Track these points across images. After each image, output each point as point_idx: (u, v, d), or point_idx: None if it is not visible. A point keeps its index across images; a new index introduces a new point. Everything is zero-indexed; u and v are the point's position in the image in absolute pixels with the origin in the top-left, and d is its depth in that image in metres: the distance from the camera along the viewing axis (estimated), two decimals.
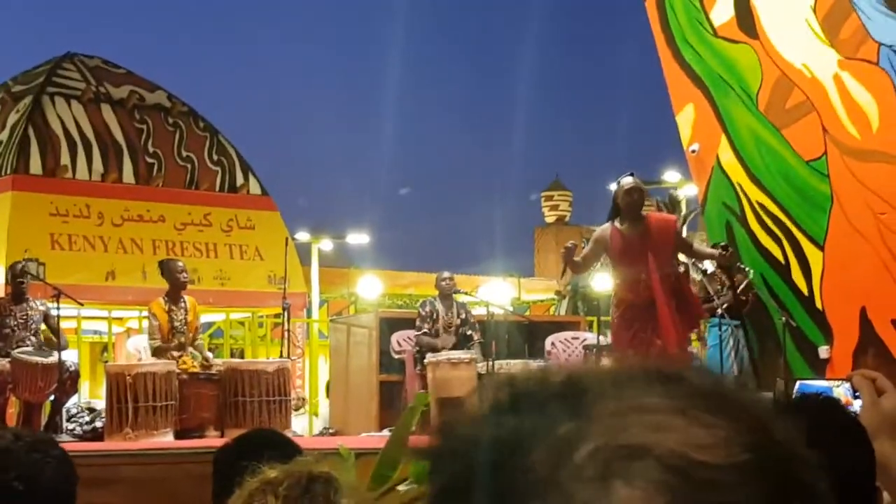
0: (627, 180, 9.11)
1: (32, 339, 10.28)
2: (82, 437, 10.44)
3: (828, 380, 7.23)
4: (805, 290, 11.06)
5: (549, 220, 42.90)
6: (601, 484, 0.64)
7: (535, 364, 11.30)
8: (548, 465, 0.65)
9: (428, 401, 6.77)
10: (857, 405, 2.31)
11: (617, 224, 9.06)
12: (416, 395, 4.51)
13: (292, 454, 2.63)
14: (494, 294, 21.38)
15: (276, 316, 16.91)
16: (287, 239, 15.17)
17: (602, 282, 28.83)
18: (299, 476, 2.06)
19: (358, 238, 29.32)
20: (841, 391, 4.04)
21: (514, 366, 10.60)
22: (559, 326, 13.09)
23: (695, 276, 11.27)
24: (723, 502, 0.64)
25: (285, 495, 2.00)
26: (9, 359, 9.93)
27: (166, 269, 10.75)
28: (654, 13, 12.44)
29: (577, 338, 12.22)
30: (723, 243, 11.52)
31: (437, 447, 0.72)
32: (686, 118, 12.26)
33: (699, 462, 0.64)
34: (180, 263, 10.95)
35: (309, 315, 19.89)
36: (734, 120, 11.74)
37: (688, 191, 20.32)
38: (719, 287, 11.12)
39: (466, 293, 12.47)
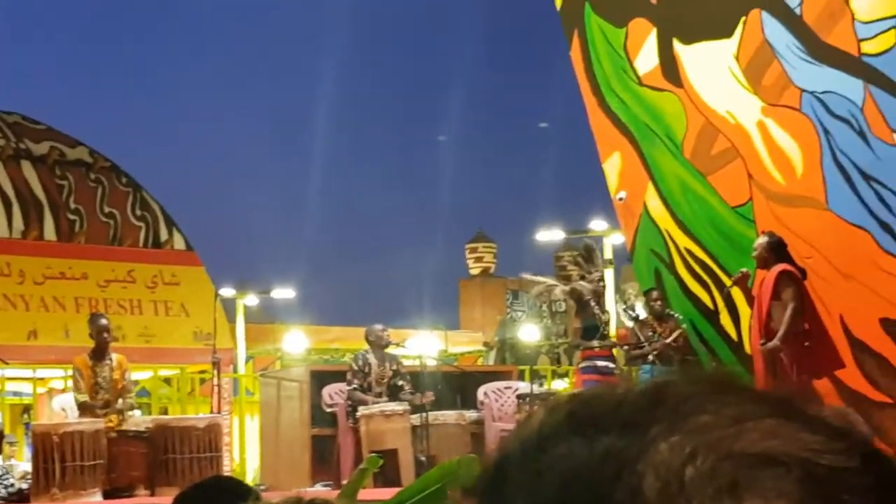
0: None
1: None
2: (7, 500, 10.20)
3: None
4: (734, 336, 11.13)
5: (474, 271, 42.95)
6: (731, 498, 0.58)
7: (468, 414, 11.29)
8: (662, 486, 0.59)
9: (380, 463, 6.65)
10: None
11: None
12: (368, 458, 4.42)
13: (254, 501, 2.56)
14: (421, 347, 21.30)
15: (202, 372, 16.73)
16: (215, 294, 15.03)
17: (529, 332, 28.94)
18: (294, 501, 2.01)
19: (283, 293, 29.15)
20: None
21: (448, 416, 10.55)
22: (490, 376, 13.05)
23: (627, 322, 11.31)
24: None
25: None
26: None
27: (91, 325, 10.59)
28: (579, 62, 12.55)
29: (509, 387, 12.18)
30: (654, 291, 11.61)
31: (501, 480, 0.64)
32: (613, 166, 12.35)
33: (828, 466, 0.59)
34: (104, 321, 10.72)
35: (235, 371, 19.69)
36: (660, 167, 11.84)
37: (615, 239, 20.41)
38: (651, 333, 11.16)
39: (398, 345, 12.41)
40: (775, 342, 9.33)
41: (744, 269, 9.99)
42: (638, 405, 0.63)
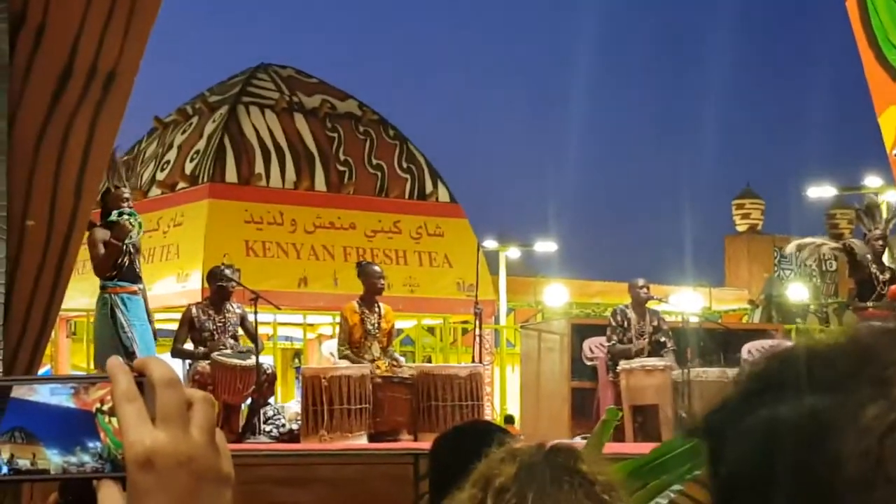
0: None
1: (231, 342, 10.46)
2: (279, 439, 10.60)
3: None
4: None
5: (741, 228, 42.06)
6: None
7: (731, 372, 11.08)
8: (861, 454, 0.56)
9: (620, 415, 6.64)
10: None
11: None
12: (608, 410, 4.43)
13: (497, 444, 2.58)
14: (684, 303, 21.07)
15: (464, 323, 16.97)
16: (478, 246, 15.19)
17: (797, 291, 28.21)
18: (542, 445, 2.02)
19: (545, 246, 29.29)
20: None
21: (710, 374, 10.39)
22: (755, 334, 12.81)
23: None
24: None
25: (523, 460, 1.95)
26: (209, 361, 10.13)
27: (364, 272, 10.82)
28: (854, 13, 12.06)
29: (774, 346, 11.89)
30: None
31: (719, 427, 0.64)
32: (889, 120, 11.85)
33: None
34: (378, 269, 10.99)
35: (497, 322, 19.90)
36: None
37: (890, 196, 19.65)
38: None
39: (660, 300, 12.28)
40: None
41: None
42: (844, 366, 0.60)
